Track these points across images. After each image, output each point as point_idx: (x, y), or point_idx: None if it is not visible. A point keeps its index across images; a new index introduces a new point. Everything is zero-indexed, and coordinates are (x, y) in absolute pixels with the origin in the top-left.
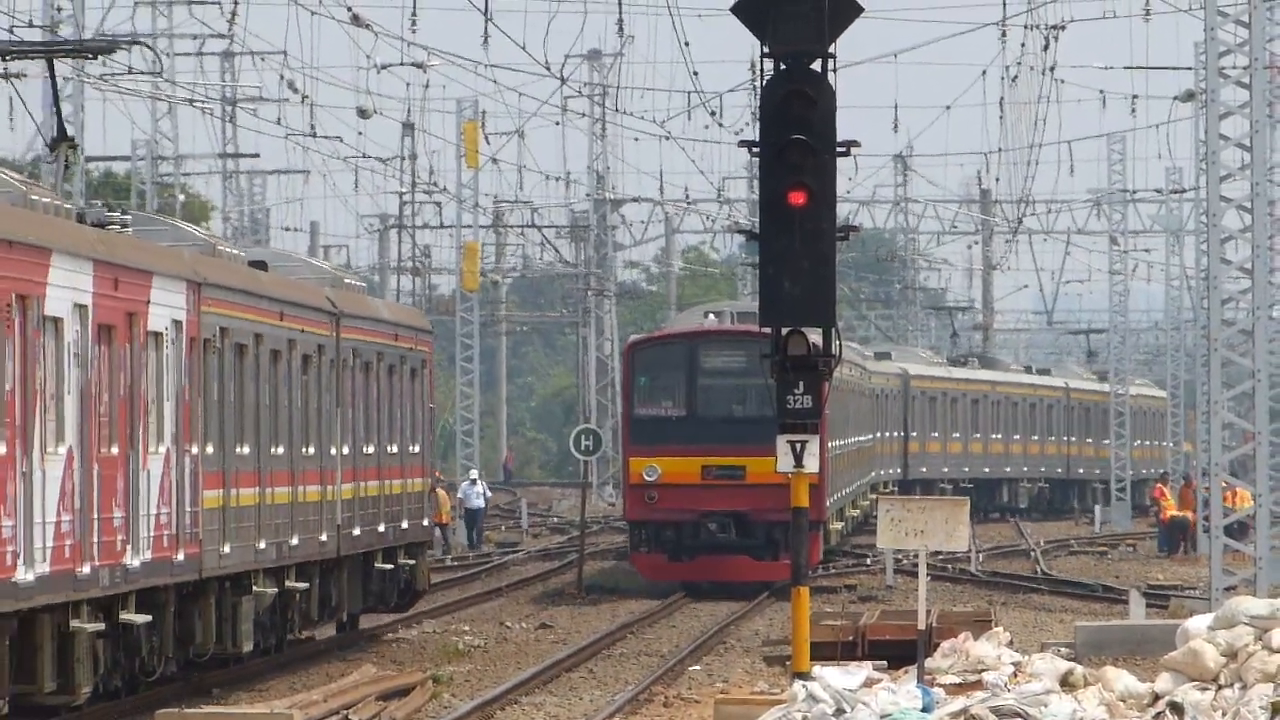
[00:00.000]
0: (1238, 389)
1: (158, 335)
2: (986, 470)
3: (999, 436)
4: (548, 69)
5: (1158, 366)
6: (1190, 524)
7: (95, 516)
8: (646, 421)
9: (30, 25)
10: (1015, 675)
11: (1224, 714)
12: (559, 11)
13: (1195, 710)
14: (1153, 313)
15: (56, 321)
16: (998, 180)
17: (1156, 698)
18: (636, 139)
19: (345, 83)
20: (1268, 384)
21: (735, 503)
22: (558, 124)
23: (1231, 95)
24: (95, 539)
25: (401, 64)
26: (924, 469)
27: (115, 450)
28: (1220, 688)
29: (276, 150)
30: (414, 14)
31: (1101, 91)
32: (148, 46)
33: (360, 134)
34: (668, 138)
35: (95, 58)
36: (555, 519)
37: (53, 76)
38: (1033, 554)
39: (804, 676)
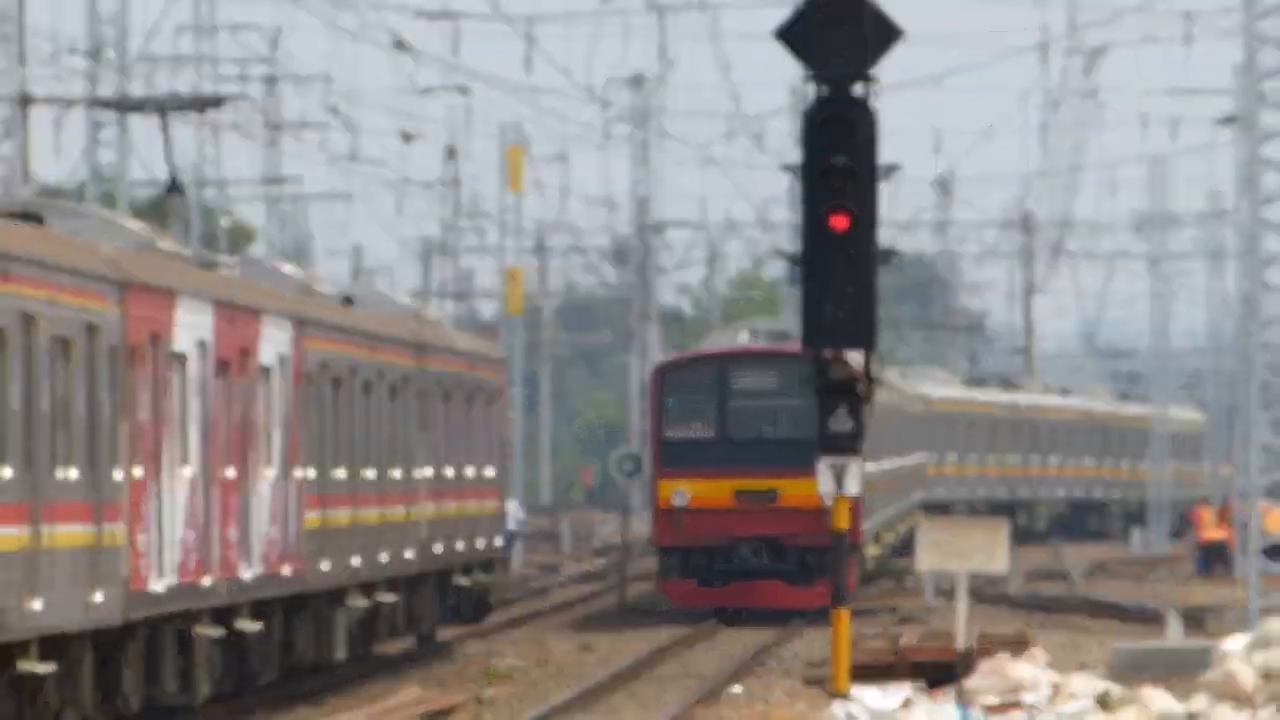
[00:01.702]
0: (1275, 411)
1: (267, 369)
2: (1002, 493)
3: (1018, 459)
4: (590, 93)
5: (1196, 390)
6: (1228, 546)
7: (215, 534)
8: (676, 444)
9: (72, 51)
10: (1053, 696)
11: None
12: (601, 36)
13: None
14: (1194, 335)
15: (182, 357)
16: (1039, 204)
17: (1192, 718)
18: (679, 163)
19: (388, 107)
20: None
21: (768, 527)
22: (600, 148)
23: (1272, 119)
24: (215, 554)
25: (444, 88)
26: (942, 491)
27: (231, 474)
28: (1256, 708)
29: (319, 174)
30: (457, 38)
31: (1143, 115)
32: (246, 97)
33: (403, 158)
34: (710, 162)
35: (204, 111)
36: (597, 543)
37: (165, 130)
38: (1070, 576)
39: (843, 697)
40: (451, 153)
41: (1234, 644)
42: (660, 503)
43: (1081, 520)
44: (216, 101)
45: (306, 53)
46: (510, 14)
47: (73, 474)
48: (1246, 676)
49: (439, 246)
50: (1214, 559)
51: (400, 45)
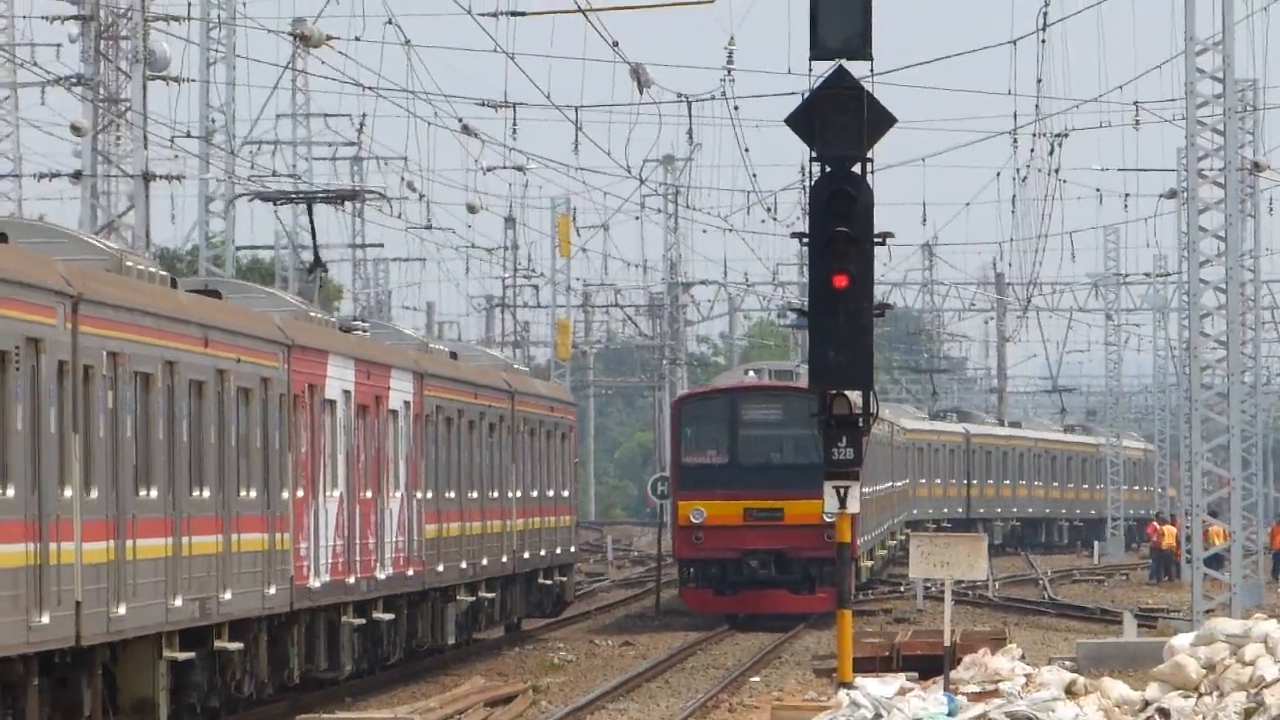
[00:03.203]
0: (1214, 442)
1: (395, 412)
2: (960, 511)
3: (976, 482)
4: (629, 171)
5: (1144, 423)
6: (1175, 556)
7: (356, 542)
8: (693, 469)
9: (189, 136)
10: (1027, 685)
11: (1204, 718)
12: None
13: (1180, 715)
14: (1142, 378)
15: (332, 403)
16: (1010, 265)
17: (1147, 704)
18: (704, 231)
19: (456, 183)
20: (1240, 438)
21: (774, 542)
22: (637, 218)
23: (1209, 193)
24: (357, 558)
25: (504, 167)
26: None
27: (369, 494)
28: (1201, 695)
29: (398, 241)
30: (515, 124)
31: (1098, 189)
32: (382, 196)
33: (469, 227)
34: (730, 230)
35: (343, 203)
36: (636, 553)
37: (311, 217)
38: (1040, 582)
39: (848, 686)
40: (510, 223)
41: (1181, 640)
42: (680, 520)
43: (1034, 534)
44: (355, 195)
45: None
46: (560, 103)
47: (253, 494)
48: (1192, 668)
49: (500, 302)
50: (1163, 566)
51: (467, 130)
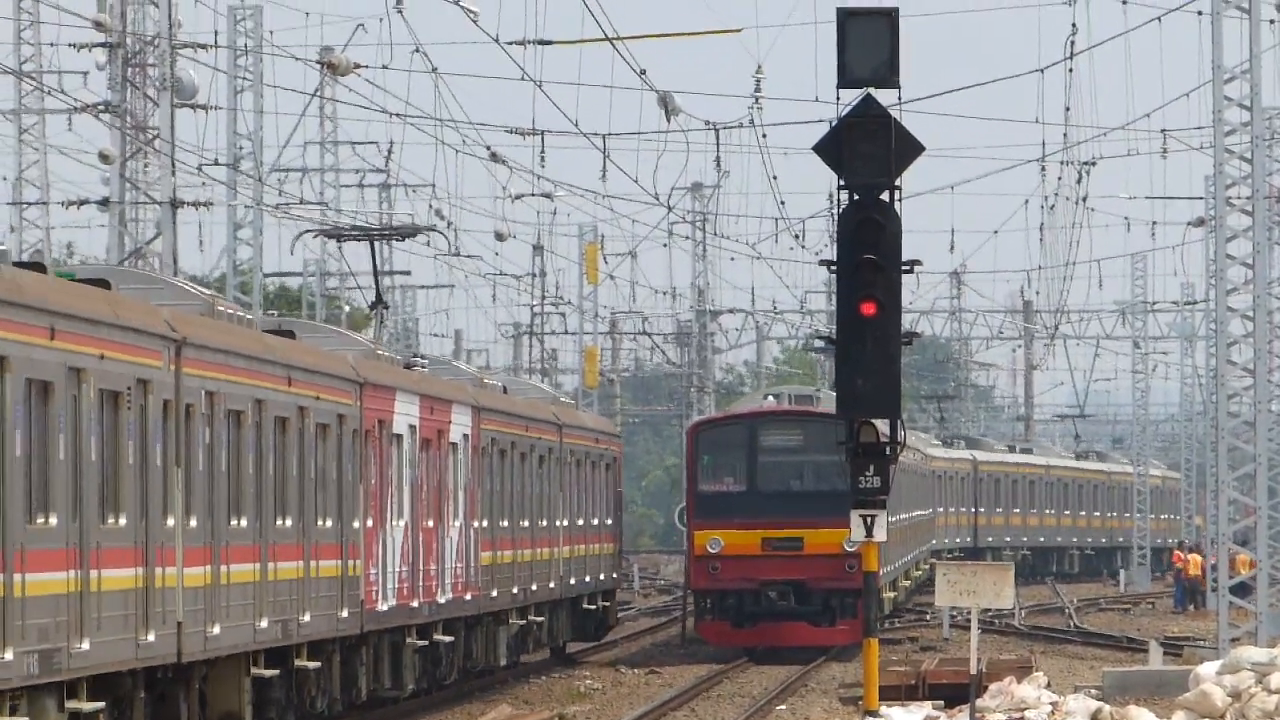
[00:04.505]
0: (1241, 470)
1: (455, 445)
2: (968, 540)
3: (984, 510)
4: (656, 199)
5: (1171, 451)
6: (1200, 584)
7: (420, 568)
8: (710, 497)
9: (216, 163)
10: (1053, 713)
11: None
12: (666, 150)
13: None
14: (1169, 406)
15: (399, 437)
16: (1038, 293)
17: None
18: (732, 258)
19: (484, 210)
20: (1267, 467)
21: (794, 572)
22: (665, 246)
23: (1237, 221)
24: (420, 583)
25: (532, 194)
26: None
27: (431, 523)
28: None
29: (426, 268)
30: (543, 151)
31: (1126, 217)
32: (441, 234)
33: (497, 254)
34: (758, 257)
35: (402, 239)
36: (662, 581)
37: (374, 254)
38: (1066, 610)
39: (874, 715)
40: (538, 250)
41: (1207, 669)
42: (696, 550)
43: (1044, 563)
44: (413, 232)
45: (416, 164)
46: (588, 131)
47: (329, 523)
48: (1218, 696)
49: (528, 329)
50: (1189, 595)
51: (495, 158)
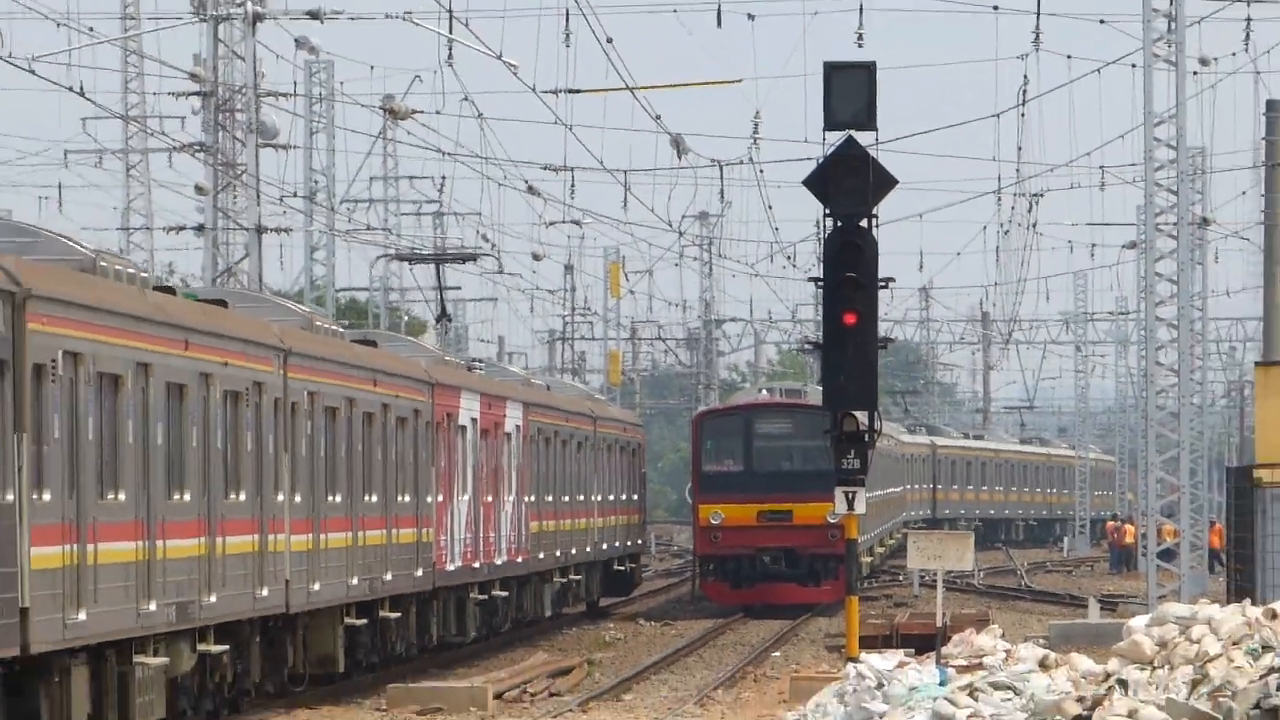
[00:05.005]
0: (1166, 454)
1: (509, 434)
2: (927, 513)
3: (941, 487)
4: (669, 225)
5: (1108, 438)
6: (1133, 551)
7: (480, 535)
8: (712, 476)
9: (295, 195)
10: (1007, 659)
11: (1157, 687)
12: (678, 183)
13: (1136, 685)
14: (1105, 400)
15: (463, 428)
16: (994, 305)
17: (1108, 675)
18: (734, 276)
19: (523, 235)
20: (1189, 451)
21: (785, 540)
22: (677, 265)
23: (1164, 244)
24: (480, 548)
25: (564, 221)
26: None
27: (490, 498)
28: (1154, 668)
29: (473, 283)
30: (573, 185)
31: (1069, 241)
32: (492, 256)
33: (534, 272)
34: (756, 275)
35: (463, 263)
36: (675, 547)
37: (439, 274)
38: (1018, 572)
39: (855, 660)
40: (569, 269)
41: (1138, 622)
42: (700, 521)
43: (994, 532)
44: (473, 256)
45: (464, 195)
46: (611, 167)
47: (406, 498)
48: (1147, 645)
49: (560, 336)
50: (1123, 559)
51: (532, 190)
